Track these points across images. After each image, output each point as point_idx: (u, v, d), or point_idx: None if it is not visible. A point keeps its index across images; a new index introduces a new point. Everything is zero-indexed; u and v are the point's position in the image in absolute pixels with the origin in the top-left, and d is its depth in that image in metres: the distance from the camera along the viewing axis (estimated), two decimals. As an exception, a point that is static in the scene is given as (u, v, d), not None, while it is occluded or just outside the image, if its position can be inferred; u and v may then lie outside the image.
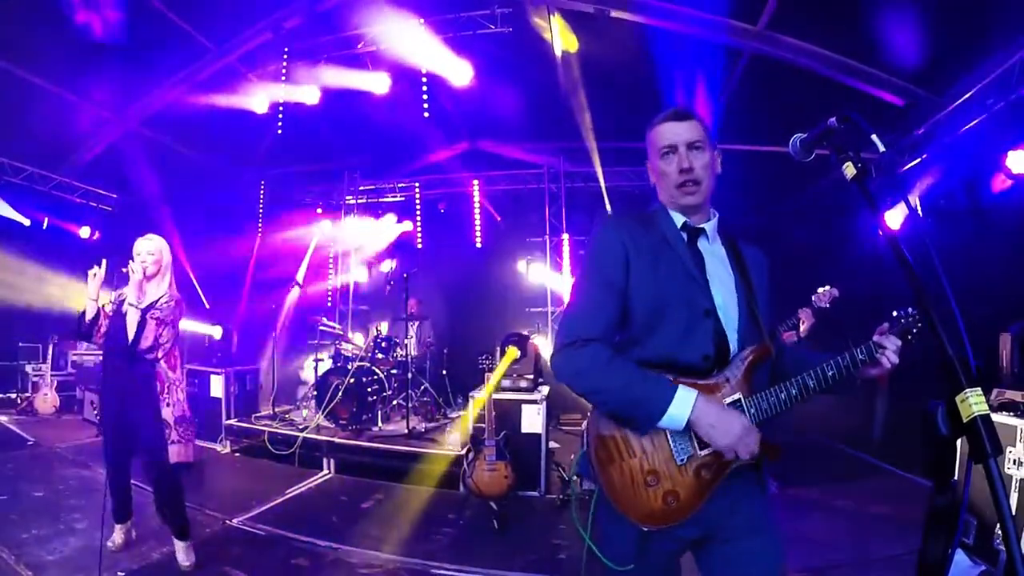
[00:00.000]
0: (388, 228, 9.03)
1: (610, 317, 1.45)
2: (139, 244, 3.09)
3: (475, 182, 8.47)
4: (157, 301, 3.02)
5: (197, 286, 8.11)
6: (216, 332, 7.14)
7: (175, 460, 3.01)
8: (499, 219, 8.72)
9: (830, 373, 1.41)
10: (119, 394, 2.98)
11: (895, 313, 1.50)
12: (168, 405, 3.04)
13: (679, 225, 1.55)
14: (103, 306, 3.07)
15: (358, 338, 6.86)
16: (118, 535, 3.20)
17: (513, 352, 5.03)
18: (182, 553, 3.06)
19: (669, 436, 1.40)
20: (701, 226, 1.55)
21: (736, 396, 1.43)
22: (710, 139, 1.53)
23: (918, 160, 5.65)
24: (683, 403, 1.34)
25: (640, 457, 1.41)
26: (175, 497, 3.08)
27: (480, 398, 4.56)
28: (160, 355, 3.01)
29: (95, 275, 3.01)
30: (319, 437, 5.42)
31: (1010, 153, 4.39)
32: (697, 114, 1.55)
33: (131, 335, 2.92)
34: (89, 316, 3.01)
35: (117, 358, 2.98)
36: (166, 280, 3.12)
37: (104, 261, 3.05)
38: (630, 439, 1.42)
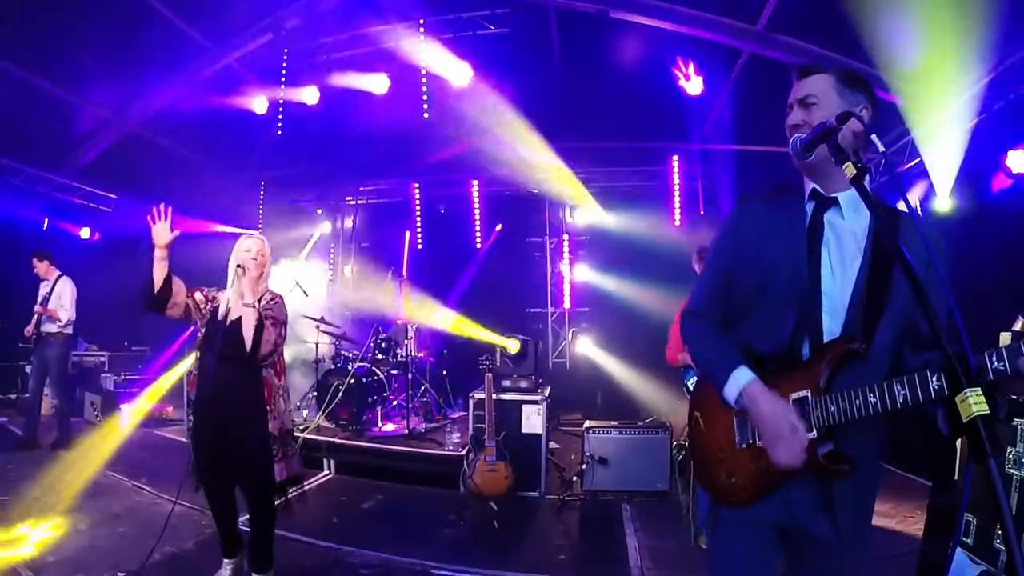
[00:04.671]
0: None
1: (715, 296, 1.54)
2: (245, 242, 2.77)
3: (474, 182, 8.47)
4: (262, 301, 2.72)
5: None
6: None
7: (281, 477, 2.75)
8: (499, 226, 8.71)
9: (935, 385, 1.09)
10: (221, 409, 2.63)
11: None
12: (274, 417, 2.73)
13: (808, 194, 1.42)
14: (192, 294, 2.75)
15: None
16: (226, 571, 2.83)
17: (512, 342, 5.03)
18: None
19: (734, 419, 1.40)
20: (834, 195, 1.38)
21: (803, 393, 1.29)
22: (843, 91, 1.36)
23: (918, 160, 5.65)
24: (735, 383, 1.34)
25: (716, 433, 1.45)
26: (271, 525, 2.80)
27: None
28: (276, 359, 2.75)
29: (161, 222, 2.61)
30: (319, 437, 5.41)
31: (1010, 153, 4.40)
32: (827, 68, 1.40)
33: (248, 341, 2.57)
34: (159, 278, 2.58)
35: (227, 367, 2.61)
36: (267, 281, 2.85)
37: (169, 207, 2.64)
38: (713, 415, 1.46)
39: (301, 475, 2.98)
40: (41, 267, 5.62)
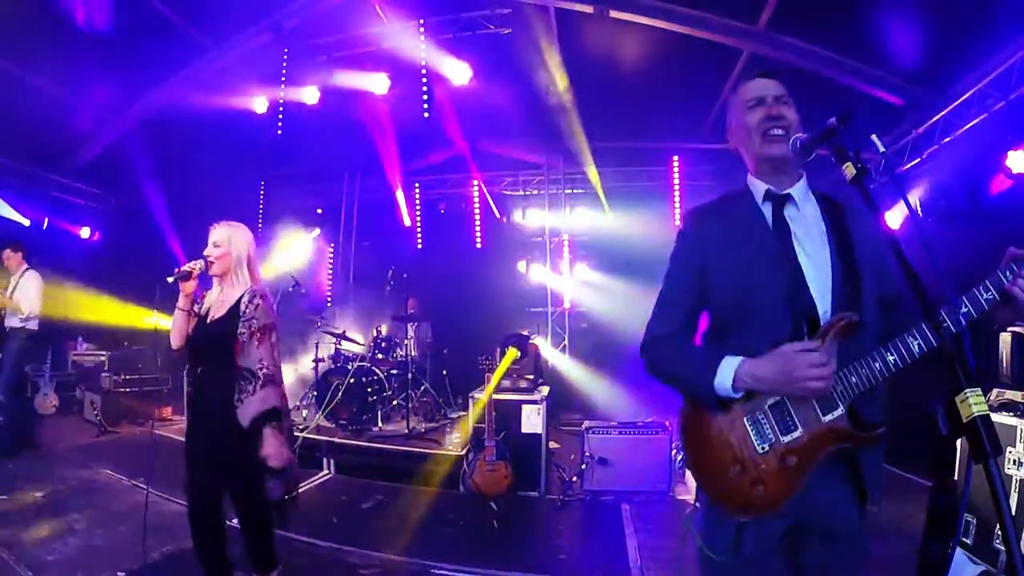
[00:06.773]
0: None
1: (681, 317, 1.51)
2: (211, 235, 2.47)
3: (475, 182, 8.47)
4: (239, 306, 2.36)
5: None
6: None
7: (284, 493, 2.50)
8: (502, 218, 8.70)
9: (945, 327, 1.13)
10: (213, 422, 2.39)
11: None
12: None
13: (762, 196, 1.47)
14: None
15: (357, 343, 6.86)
16: None
17: (513, 353, 5.03)
18: None
19: (748, 424, 1.37)
20: (786, 192, 1.45)
21: None
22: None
23: (918, 160, 5.65)
24: (728, 365, 1.33)
25: (725, 447, 1.39)
26: (269, 531, 2.66)
27: (481, 399, 4.55)
28: (279, 367, 2.44)
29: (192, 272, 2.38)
30: (319, 437, 5.41)
31: (1010, 153, 4.39)
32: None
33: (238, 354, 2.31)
34: (184, 328, 2.42)
35: (214, 375, 2.38)
36: (244, 275, 2.46)
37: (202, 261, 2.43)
38: (715, 429, 1.40)
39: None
40: (15, 259, 5.39)
